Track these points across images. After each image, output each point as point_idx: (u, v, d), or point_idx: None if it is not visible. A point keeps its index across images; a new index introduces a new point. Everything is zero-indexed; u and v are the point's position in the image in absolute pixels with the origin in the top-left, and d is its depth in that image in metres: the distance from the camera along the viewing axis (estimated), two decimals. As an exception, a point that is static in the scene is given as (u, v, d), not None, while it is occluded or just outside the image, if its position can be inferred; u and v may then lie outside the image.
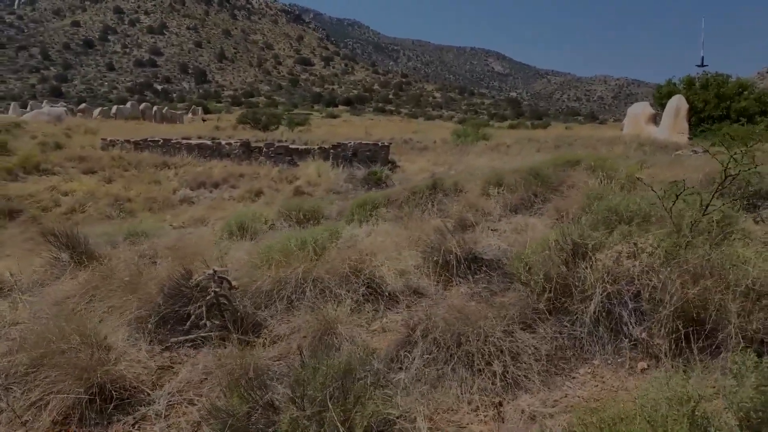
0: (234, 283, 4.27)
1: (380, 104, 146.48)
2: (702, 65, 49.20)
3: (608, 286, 3.70)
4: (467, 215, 7.97)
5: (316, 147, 25.58)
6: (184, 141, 22.76)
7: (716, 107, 29.50)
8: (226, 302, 4.15)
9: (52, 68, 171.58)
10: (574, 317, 3.74)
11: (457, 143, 33.06)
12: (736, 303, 3.39)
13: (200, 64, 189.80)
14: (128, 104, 60.01)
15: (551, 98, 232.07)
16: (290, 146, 23.91)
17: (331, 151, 23.28)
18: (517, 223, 7.47)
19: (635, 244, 4.05)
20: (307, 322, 4.02)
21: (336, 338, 3.84)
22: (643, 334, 3.51)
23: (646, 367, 3.51)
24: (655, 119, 31.86)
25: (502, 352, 3.48)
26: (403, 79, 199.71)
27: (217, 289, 4.05)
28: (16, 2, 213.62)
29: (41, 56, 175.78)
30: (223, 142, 23.19)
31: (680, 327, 3.44)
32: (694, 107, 30.36)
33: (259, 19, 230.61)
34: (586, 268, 3.80)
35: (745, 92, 29.63)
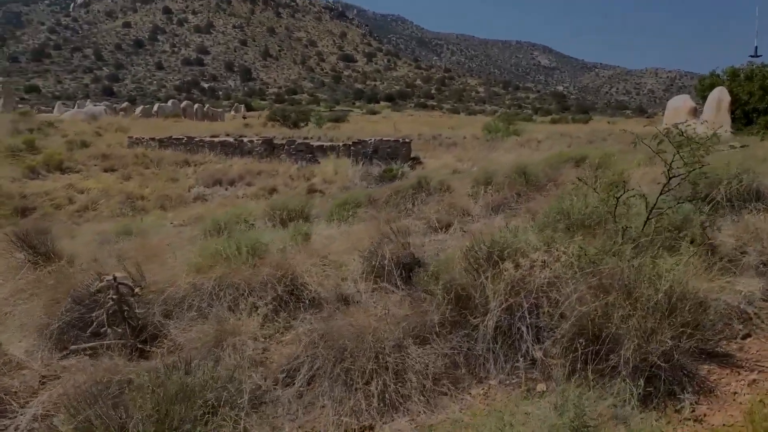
0: (137, 289, 4.13)
1: (422, 100, 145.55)
2: (756, 55, 46.58)
3: (509, 299, 3.38)
4: (443, 216, 7.68)
5: (340, 144, 25.50)
6: (207, 139, 23.04)
7: (761, 99, 27.91)
8: (127, 309, 4.01)
9: (104, 68, 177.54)
10: (474, 332, 3.44)
11: (488, 139, 32.40)
12: (639, 320, 3.03)
13: (245, 62, 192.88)
14: (169, 102, 61.45)
15: (599, 92, 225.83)
16: (311, 143, 23.90)
17: (352, 148, 23.14)
18: (492, 225, 7.13)
19: (557, 251, 3.72)
20: (203, 333, 3.85)
21: (227, 350, 3.65)
22: (539, 353, 3.19)
23: (545, 389, 3.20)
24: (696, 112, 30.47)
25: (385, 369, 3.22)
26: (446, 74, 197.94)
27: (115, 296, 3.91)
28: (72, 5, 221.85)
29: (94, 57, 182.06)
30: (245, 140, 23.36)
31: (580, 346, 3.11)
32: (739, 99, 28.82)
33: (303, 16, 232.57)
34: (488, 278, 3.48)
35: (793, 84, 27.89)
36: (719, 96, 28.14)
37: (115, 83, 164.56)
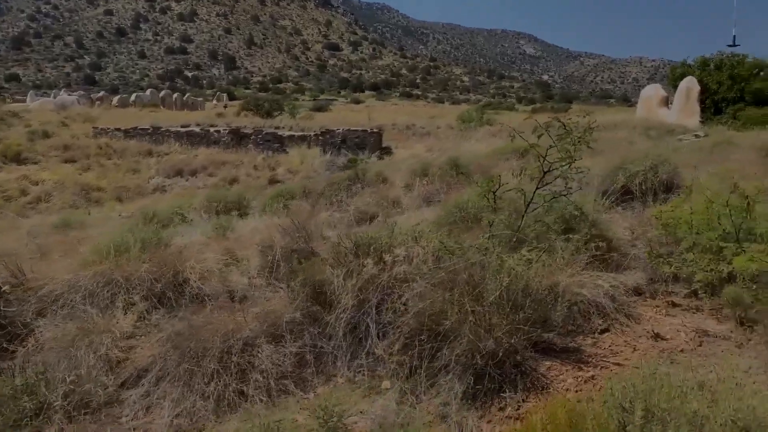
0: (5, 287, 4.04)
1: (407, 89, 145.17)
2: (734, 45, 46.91)
3: (360, 295, 3.35)
4: (371, 208, 7.64)
5: (312, 134, 25.35)
6: (173, 129, 22.79)
7: (730, 89, 28.10)
8: (-7, 306, 3.93)
9: (86, 57, 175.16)
10: (327, 329, 3.40)
11: (462, 128, 32.38)
12: (476, 316, 3.00)
13: (229, 50, 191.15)
14: (148, 92, 60.68)
15: (584, 81, 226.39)
16: (280, 133, 23.71)
17: (320, 138, 23.00)
18: (416, 217, 7.10)
19: (419, 246, 3.68)
20: (65, 332, 3.77)
21: (82, 350, 3.58)
22: (380, 350, 3.16)
23: (389, 386, 3.17)
24: (668, 102, 30.63)
25: (228, 369, 3.18)
26: (431, 63, 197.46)
27: (-24, 294, 3.82)
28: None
29: (76, 45, 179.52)
30: (212, 130, 23.14)
31: (419, 343, 3.08)
32: (708, 89, 29.01)
33: (288, 4, 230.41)
34: (344, 274, 3.44)
35: (762, 73, 28.09)
36: (688, 86, 28.28)
37: (96, 72, 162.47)
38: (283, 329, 3.47)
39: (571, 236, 4.20)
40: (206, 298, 4.52)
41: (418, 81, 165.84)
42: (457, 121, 34.70)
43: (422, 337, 3.10)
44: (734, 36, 45.90)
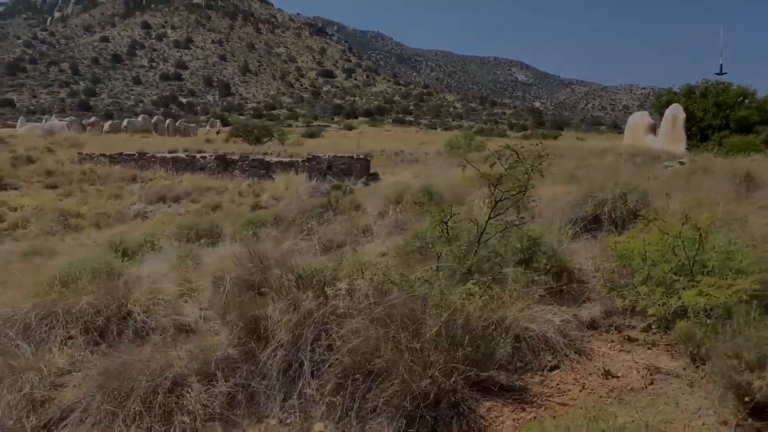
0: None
1: (400, 115, 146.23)
2: (721, 73, 47.63)
3: (296, 330, 3.19)
4: (340, 236, 7.51)
5: (300, 160, 25.33)
6: (159, 155, 22.70)
7: (715, 116, 28.35)
8: None
9: (81, 82, 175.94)
10: (262, 367, 3.24)
11: (450, 154, 32.47)
12: (412, 353, 2.85)
13: (224, 77, 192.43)
14: (140, 117, 60.90)
15: (575, 108, 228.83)
16: (267, 159, 23.67)
17: (306, 164, 22.96)
18: (384, 245, 6.98)
19: (364, 278, 3.55)
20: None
21: (5, 389, 3.39)
22: (312, 390, 3.00)
23: (322, 429, 3.00)
24: (654, 129, 30.87)
25: (150, 410, 3.00)
26: (424, 90, 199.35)
27: None
28: (49, 19, 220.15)
29: (71, 71, 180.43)
30: (198, 156, 23.07)
31: (351, 382, 2.92)
32: (694, 116, 29.27)
33: (283, 32, 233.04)
34: (282, 308, 3.29)
35: (746, 101, 28.40)
36: (674, 113, 28.59)
37: (91, 97, 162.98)
38: (216, 367, 3.31)
39: (527, 268, 4.08)
40: (151, 331, 4.36)
41: (411, 107, 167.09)
42: (446, 147, 34.84)
43: (356, 376, 2.94)
44: (721, 65, 46.66)
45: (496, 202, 3.99)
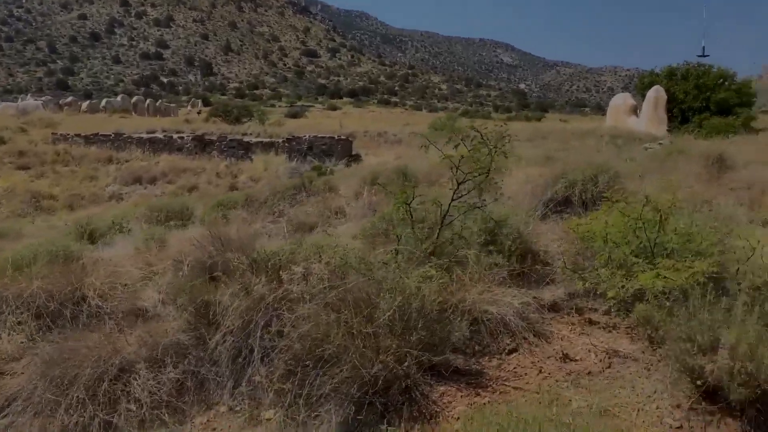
0: None
1: (385, 96, 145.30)
2: (703, 55, 47.93)
3: (246, 315, 3.10)
4: (312, 218, 7.41)
5: (280, 140, 25.04)
6: (135, 135, 22.30)
7: (696, 98, 28.48)
8: None
9: (59, 61, 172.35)
10: (211, 353, 3.15)
11: (433, 136, 32.32)
12: (363, 338, 2.78)
13: (206, 56, 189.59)
14: (119, 97, 59.74)
15: (560, 90, 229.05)
16: (246, 140, 23.36)
17: (287, 145, 22.70)
18: (356, 227, 6.88)
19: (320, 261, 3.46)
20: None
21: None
22: (261, 377, 2.92)
23: (271, 416, 2.92)
24: (636, 110, 30.95)
25: (94, 398, 2.91)
26: (409, 71, 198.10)
27: None
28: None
29: (48, 49, 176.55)
30: (175, 136, 22.70)
31: (301, 369, 2.85)
32: (675, 98, 29.38)
33: (266, 11, 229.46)
34: (228, 293, 3.20)
35: (726, 83, 28.55)
36: (656, 95, 28.65)
37: (70, 77, 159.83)
38: (165, 353, 3.21)
39: (491, 250, 4.01)
40: (107, 317, 4.24)
41: (396, 88, 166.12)
42: (429, 129, 34.62)
43: (306, 363, 2.87)
44: (703, 47, 46.98)
45: (459, 184, 3.91)
